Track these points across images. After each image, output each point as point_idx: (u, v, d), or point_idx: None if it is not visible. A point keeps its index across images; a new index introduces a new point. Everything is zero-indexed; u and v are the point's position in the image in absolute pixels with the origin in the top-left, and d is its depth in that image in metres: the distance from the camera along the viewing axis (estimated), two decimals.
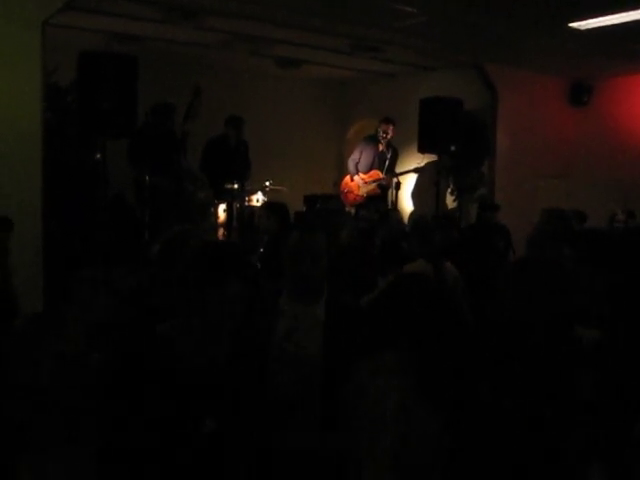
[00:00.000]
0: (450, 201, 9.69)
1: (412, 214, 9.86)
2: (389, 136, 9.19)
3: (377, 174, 9.21)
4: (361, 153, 9.45)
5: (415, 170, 9.21)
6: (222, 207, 8.05)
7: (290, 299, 2.87)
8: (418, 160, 9.19)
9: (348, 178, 9.51)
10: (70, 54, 6.45)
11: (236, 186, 8.05)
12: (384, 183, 9.16)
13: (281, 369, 2.66)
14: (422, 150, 8.70)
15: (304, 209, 9.23)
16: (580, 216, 7.63)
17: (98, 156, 6.64)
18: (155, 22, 7.40)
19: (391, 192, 9.01)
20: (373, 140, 9.37)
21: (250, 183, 8.43)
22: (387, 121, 9.21)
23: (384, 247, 5.14)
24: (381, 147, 9.27)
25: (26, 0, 5.75)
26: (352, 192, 9.38)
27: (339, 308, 2.85)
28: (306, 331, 2.75)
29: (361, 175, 9.33)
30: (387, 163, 9.15)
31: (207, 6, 6.96)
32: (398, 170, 9.31)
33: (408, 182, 10.00)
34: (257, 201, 8.33)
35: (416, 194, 10.25)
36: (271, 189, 8.49)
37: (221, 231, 7.99)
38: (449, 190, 9.66)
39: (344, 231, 5.48)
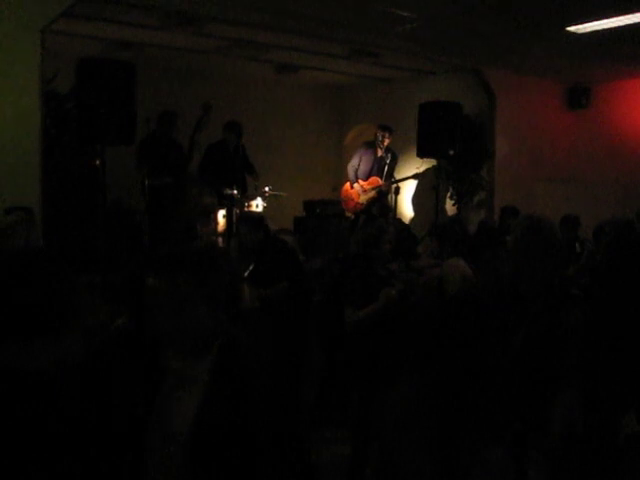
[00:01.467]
0: (449, 205, 9.69)
1: (412, 220, 9.89)
2: (386, 143, 9.19)
3: (376, 181, 9.20)
4: (360, 159, 9.44)
5: (414, 177, 9.21)
6: (222, 213, 8.05)
7: (175, 351, 2.33)
8: (417, 165, 9.19)
9: (348, 185, 9.50)
10: (69, 61, 6.47)
11: (235, 192, 8.05)
12: (384, 189, 9.16)
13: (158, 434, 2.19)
14: (421, 155, 8.71)
15: (304, 214, 9.23)
16: (574, 221, 7.59)
17: (97, 162, 6.65)
18: (154, 29, 7.42)
19: (390, 197, 9.00)
20: (372, 146, 9.37)
21: (253, 187, 8.45)
22: (383, 129, 9.21)
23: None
24: (380, 152, 9.27)
25: (25, 7, 5.76)
26: (352, 200, 9.37)
27: (232, 359, 2.25)
28: (188, 390, 2.24)
29: (361, 182, 9.32)
30: (386, 169, 9.13)
31: (205, 13, 6.98)
32: (397, 175, 9.30)
33: (407, 187, 10.01)
34: (257, 207, 8.32)
35: (415, 199, 10.26)
36: (270, 195, 8.49)
37: (220, 239, 7.98)
38: (448, 194, 9.67)
39: (353, 238, 5.46)
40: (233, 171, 8.14)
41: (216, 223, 7.97)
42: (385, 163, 9.14)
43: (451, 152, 8.48)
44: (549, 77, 9.81)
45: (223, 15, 7.04)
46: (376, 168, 9.28)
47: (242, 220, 6.16)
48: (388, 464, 2.41)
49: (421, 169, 9.20)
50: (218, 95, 8.96)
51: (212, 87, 8.88)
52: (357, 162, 9.45)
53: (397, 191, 8.85)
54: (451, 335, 2.44)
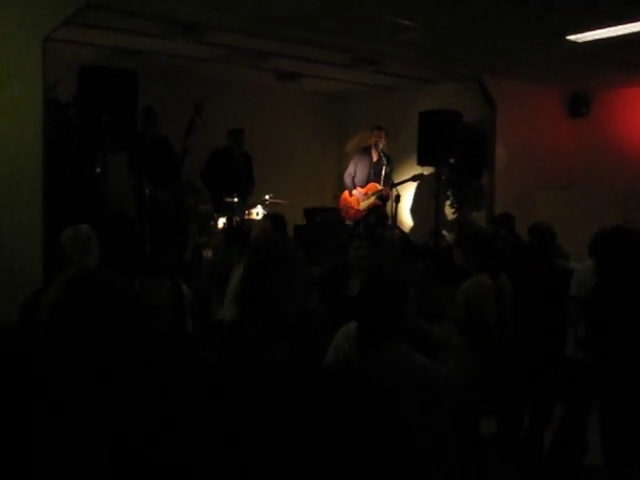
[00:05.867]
0: (450, 213, 9.70)
1: (412, 229, 9.87)
2: (381, 144, 9.16)
3: (375, 186, 9.18)
4: (356, 166, 9.44)
5: (413, 178, 9.16)
6: (222, 220, 8.07)
7: None
8: (417, 173, 9.20)
9: (347, 193, 9.49)
10: (71, 68, 6.50)
11: (236, 199, 8.07)
12: (384, 194, 9.14)
13: None
14: (421, 163, 8.72)
15: (304, 222, 9.24)
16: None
17: (98, 170, 6.67)
18: (156, 37, 7.44)
19: (391, 205, 8.99)
20: (366, 152, 9.37)
21: (251, 197, 8.48)
22: (378, 129, 9.21)
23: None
24: (375, 157, 9.25)
25: (27, 15, 5.78)
26: (352, 207, 9.35)
27: None
28: None
29: (359, 189, 9.31)
30: (383, 173, 9.11)
31: (207, 21, 7.01)
32: (396, 180, 9.28)
33: (407, 195, 10.01)
34: (257, 215, 8.33)
35: (415, 207, 10.26)
36: (271, 202, 8.50)
37: None
38: (448, 203, 9.67)
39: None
40: (235, 178, 8.16)
41: (215, 231, 7.98)
42: (381, 168, 9.11)
43: (451, 160, 8.49)
44: (549, 85, 9.84)
45: (225, 23, 7.07)
46: (373, 174, 9.26)
47: (267, 217, 6.37)
48: None
49: (419, 171, 9.18)
50: (219, 103, 8.99)
51: (213, 95, 8.89)
52: (353, 170, 9.45)
53: (397, 199, 8.83)
54: None
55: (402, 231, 9.08)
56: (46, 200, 5.96)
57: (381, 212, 9.08)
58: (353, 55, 8.34)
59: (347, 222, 9.30)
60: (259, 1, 6.39)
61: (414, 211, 10.30)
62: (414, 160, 8.83)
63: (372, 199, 9.21)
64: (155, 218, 7.31)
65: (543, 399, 5.32)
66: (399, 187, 9.00)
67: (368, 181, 9.29)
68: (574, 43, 7.37)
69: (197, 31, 7.21)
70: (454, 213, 9.64)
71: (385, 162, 9.10)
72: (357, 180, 9.40)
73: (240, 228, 7.59)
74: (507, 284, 5.13)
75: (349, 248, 4.99)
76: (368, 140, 9.52)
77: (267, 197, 8.48)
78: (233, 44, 7.92)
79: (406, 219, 10.26)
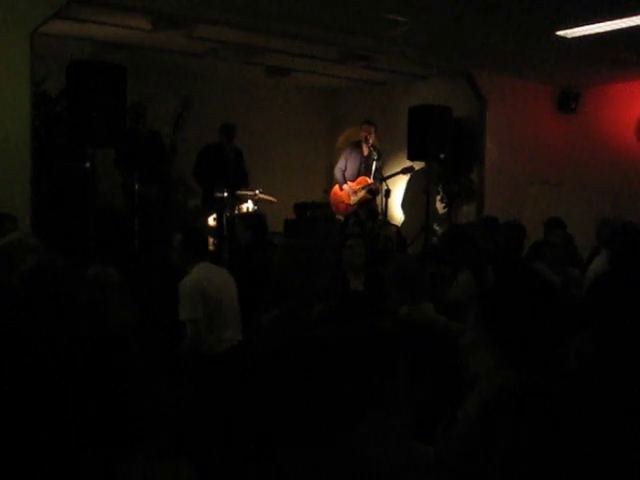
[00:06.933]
0: (440, 208, 9.71)
1: (402, 224, 9.89)
2: (371, 138, 9.17)
3: (365, 180, 9.19)
4: (347, 161, 9.44)
5: (404, 171, 9.18)
6: (212, 216, 8.05)
7: None
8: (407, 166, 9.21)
9: (337, 188, 9.49)
10: (59, 63, 6.48)
11: (226, 194, 8.05)
12: (374, 188, 9.15)
13: None
14: (412, 158, 8.74)
15: (295, 217, 9.23)
16: (558, 223, 7.55)
17: (87, 165, 6.65)
18: (144, 31, 7.41)
19: (381, 199, 9.00)
20: (357, 146, 9.39)
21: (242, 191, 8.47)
22: (367, 123, 9.23)
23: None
24: (366, 151, 9.26)
25: (14, 10, 5.75)
26: (343, 202, 9.35)
27: None
28: None
29: (350, 184, 9.32)
30: (373, 167, 9.12)
31: (196, 15, 6.98)
32: (386, 174, 9.29)
33: (398, 189, 10.02)
34: (247, 210, 8.32)
35: (406, 201, 10.26)
36: (261, 199, 8.48)
37: (211, 240, 7.96)
38: (439, 198, 9.69)
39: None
40: (227, 173, 8.15)
41: (206, 226, 7.96)
42: (372, 162, 9.13)
43: (441, 155, 8.51)
44: (539, 81, 9.85)
45: (214, 18, 7.04)
46: (363, 167, 9.28)
47: (239, 217, 6.36)
48: None
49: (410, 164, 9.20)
50: (209, 98, 8.97)
51: (203, 90, 8.87)
52: (344, 164, 9.45)
53: (387, 193, 8.85)
54: None
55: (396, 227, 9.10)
56: (34, 195, 5.94)
57: (372, 208, 9.10)
58: (344, 50, 8.33)
59: (337, 216, 9.32)
60: None
61: (405, 206, 10.31)
62: (404, 155, 8.84)
63: (362, 193, 9.21)
64: (143, 213, 7.28)
65: None
66: (389, 181, 9.00)
67: (359, 175, 9.29)
68: (564, 38, 7.39)
69: (186, 25, 7.19)
70: (444, 208, 9.66)
71: (375, 156, 9.11)
72: (348, 174, 9.40)
73: (200, 233, 7.55)
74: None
75: (342, 247, 5.05)
76: (358, 135, 9.52)
77: (257, 192, 8.45)
78: (222, 39, 7.90)
79: (396, 214, 10.26)
